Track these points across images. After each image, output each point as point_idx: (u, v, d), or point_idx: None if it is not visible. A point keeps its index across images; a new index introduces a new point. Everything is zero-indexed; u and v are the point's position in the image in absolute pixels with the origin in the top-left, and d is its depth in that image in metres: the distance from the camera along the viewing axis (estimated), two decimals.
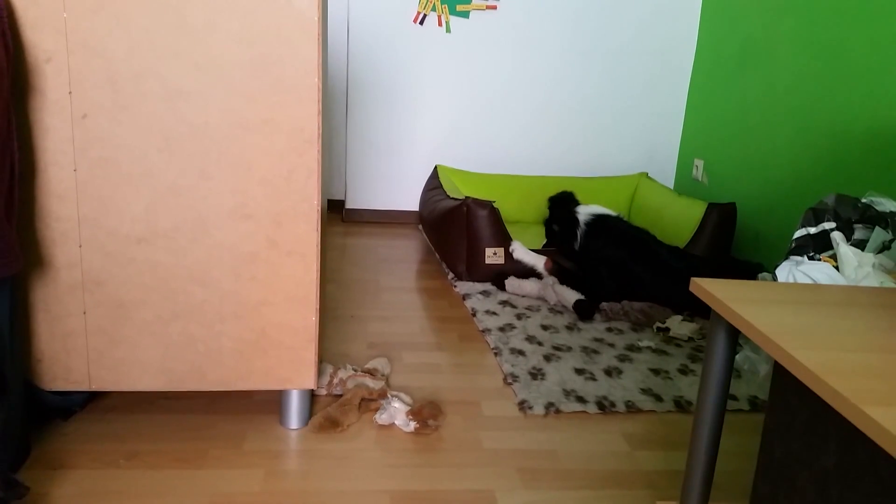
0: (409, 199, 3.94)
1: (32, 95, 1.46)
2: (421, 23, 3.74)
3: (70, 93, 1.47)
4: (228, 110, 1.52)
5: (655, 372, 2.19)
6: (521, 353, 2.26)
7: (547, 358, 2.23)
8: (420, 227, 3.81)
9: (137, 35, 1.46)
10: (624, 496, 1.58)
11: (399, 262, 3.23)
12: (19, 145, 1.44)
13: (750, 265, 2.80)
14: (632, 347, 2.36)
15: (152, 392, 1.84)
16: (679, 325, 2.46)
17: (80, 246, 1.55)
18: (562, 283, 2.75)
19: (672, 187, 4.09)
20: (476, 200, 2.96)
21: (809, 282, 1.87)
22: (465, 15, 3.75)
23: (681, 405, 1.99)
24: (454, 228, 3.00)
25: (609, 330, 2.50)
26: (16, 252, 1.39)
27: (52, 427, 1.70)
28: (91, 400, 1.81)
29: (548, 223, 3.11)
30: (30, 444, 1.60)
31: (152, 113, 1.50)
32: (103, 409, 1.79)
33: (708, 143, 3.74)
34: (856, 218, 1.96)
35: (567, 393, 2.01)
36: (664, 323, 2.50)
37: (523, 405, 1.93)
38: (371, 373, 1.97)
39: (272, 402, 1.85)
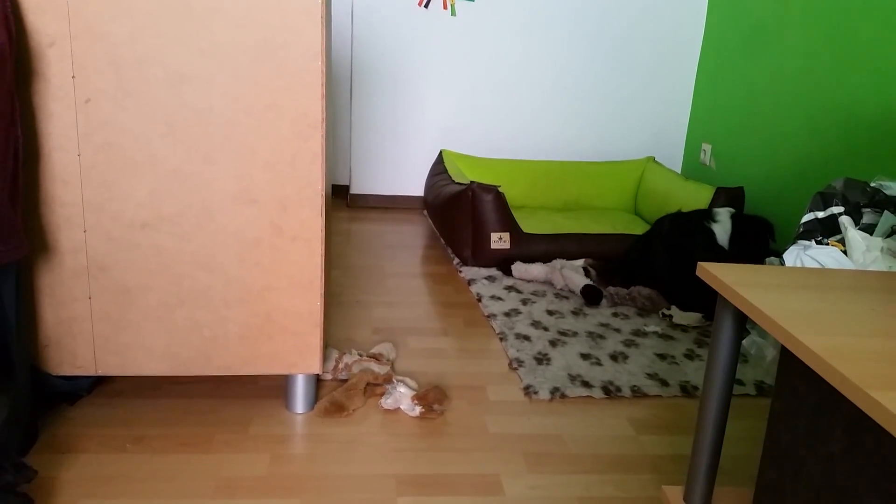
0: (414, 185, 3.93)
1: (36, 80, 1.45)
2: (426, 6, 3.71)
3: (73, 77, 1.46)
4: (232, 95, 1.51)
5: (661, 357, 2.19)
6: (526, 338, 2.26)
7: (553, 343, 2.23)
8: (425, 212, 3.80)
9: (141, 19, 1.45)
10: (629, 481, 1.58)
11: (404, 247, 3.23)
12: (23, 130, 1.44)
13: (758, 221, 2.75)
14: (638, 332, 2.36)
15: (158, 377, 1.85)
16: (682, 316, 2.45)
17: (85, 231, 1.55)
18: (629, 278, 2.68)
19: (679, 172, 4.06)
20: (481, 185, 2.95)
21: (817, 266, 1.86)
22: None
23: (687, 390, 1.99)
24: (459, 213, 2.99)
25: (615, 315, 2.49)
26: (21, 237, 1.39)
27: (59, 412, 1.71)
28: (97, 385, 1.82)
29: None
30: (37, 428, 1.61)
31: (156, 98, 1.49)
32: (110, 393, 1.80)
33: (716, 127, 3.72)
34: (864, 202, 1.94)
35: (573, 378, 2.01)
36: (669, 309, 2.50)
37: (529, 390, 1.93)
38: (376, 358, 1.98)
39: (278, 387, 1.85)
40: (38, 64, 1.45)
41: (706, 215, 2.71)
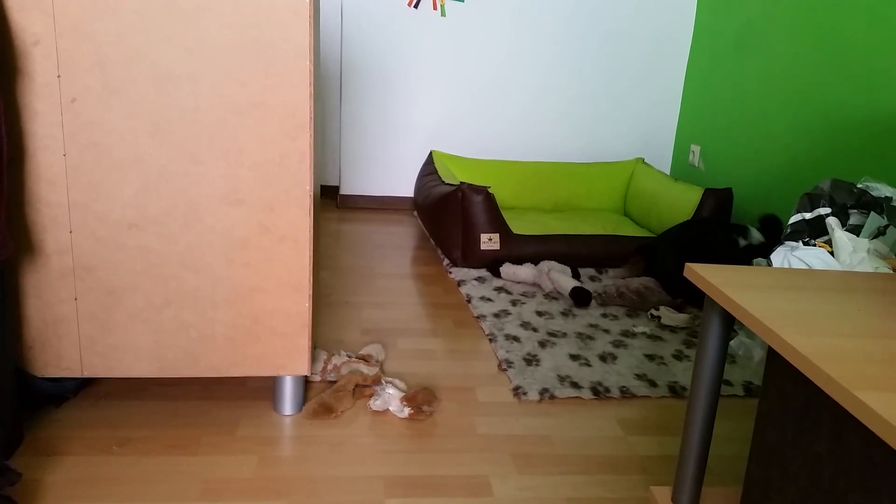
0: (404, 185, 3.92)
1: (20, 79, 1.44)
2: (416, 6, 3.70)
3: (59, 76, 1.45)
4: (219, 94, 1.50)
5: (650, 357, 2.19)
6: (515, 339, 2.26)
7: (542, 344, 2.23)
8: (415, 213, 3.80)
9: (127, 18, 1.44)
10: (618, 481, 1.58)
11: (394, 248, 3.22)
12: (7, 130, 1.42)
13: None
14: (627, 333, 2.36)
15: (145, 378, 1.84)
16: (670, 317, 2.46)
17: (71, 232, 1.54)
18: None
19: (668, 173, 4.08)
20: (471, 186, 2.95)
21: (804, 267, 1.86)
22: None
23: (675, 390, 2.00)
24: (449, 214, 2.99)
25: (604, 315, 2.50)
26: (5, 238, 1.37)
27: (44, 414, 1.69)
28: (83, 386, 1.80)
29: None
30: (22, 430, 1.60)
31: (142, 97, 1.48)
32: (96, 395, 1.78)
33: (705, 129, 3.73)
34: (851, 203, 1.95)
35: (562, 379, 2.01)
36: (657, 310, 2.50)
37: (518, 391, 1.93)
38: (365, 359, 1.97)
39: (266, 389, 1.85)
40: (23, 63, 1.43)
41: (740, 231, 2.70)
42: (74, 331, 1.60)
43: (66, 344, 1.61)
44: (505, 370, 2.06)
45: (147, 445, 1.60)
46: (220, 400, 1.79)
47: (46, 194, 1.51)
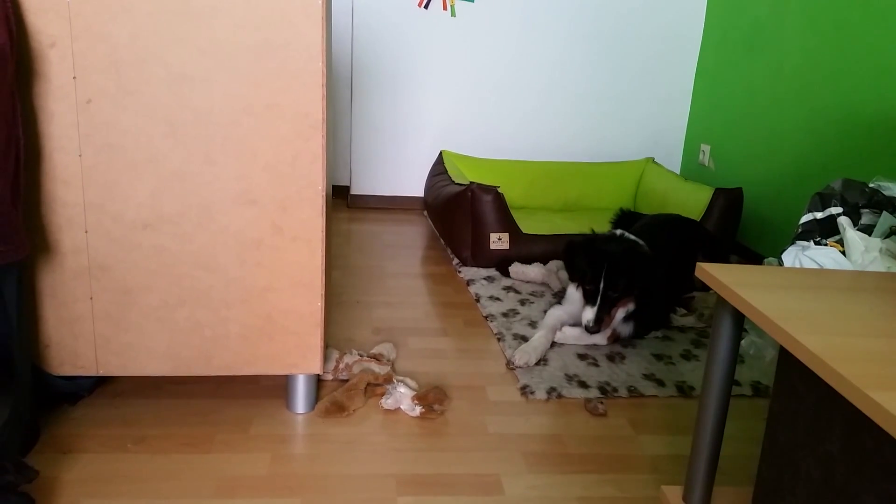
0: (414, 185, 3.93)
1: (37, 81, 1.46)
2: (426, 7, 3.71)
3: (74, 78, 1.47)
4: (233, 95, 1.51)
5: (658, 357, 2.19)
6: (524, 338, 2.26)
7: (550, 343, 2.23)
8: (425, 212, 3.80)
9: (141, 20, 1.45)
10: (628, 480, 1.59)
11: (404, 247, 3.23)
12: (24, 131, 1.44)
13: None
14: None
15: (159, 377, 1.85)
16: (678, 318, 2.45)
17: (86, 231, 1.55)
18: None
19: (678, 172, 4.07)
20: (481, 186, 2.96)
21: (816, 267, 1.86)
22: None
23: (683, 390, 2.00)
24: (459, 214, 2.99)
25: None
26: (22, 237, 1.39)
27: (60, 412, 1.71)
28: (99, 385, 1.82)
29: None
30: (39, 428, 1.61)
31: (157, 98, 1.50)
32: (111, 393, 1.80)
33: (715, 128, 3.72)
34: (863, 203, 1.95)
35: (569, 378, 2.01)
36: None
37: (525, 390, 1.94)
38: (377, 358, 1.98)
39: (278, 387, 1.86)
40: (39, 64, 1.45)
41: None
42: (90, 330, 1.62)
43: (82, 343, 1.62)
44: (513, 369, 2.06)
45: (161, 443, 1.61)
46: (233, 398, 1.81)
47: (62, 195, 1.53)
